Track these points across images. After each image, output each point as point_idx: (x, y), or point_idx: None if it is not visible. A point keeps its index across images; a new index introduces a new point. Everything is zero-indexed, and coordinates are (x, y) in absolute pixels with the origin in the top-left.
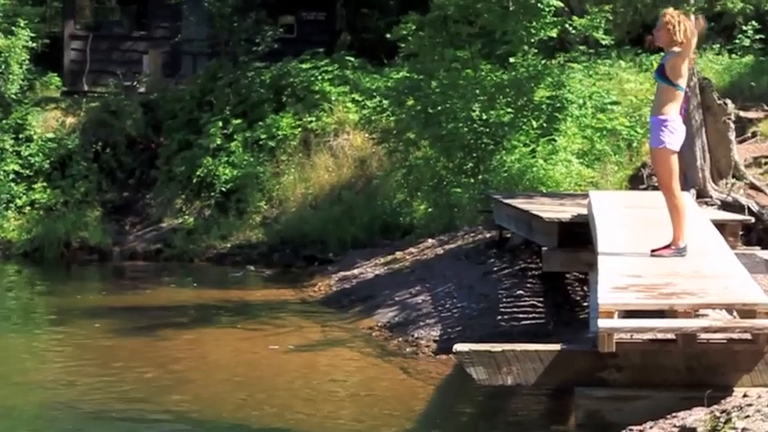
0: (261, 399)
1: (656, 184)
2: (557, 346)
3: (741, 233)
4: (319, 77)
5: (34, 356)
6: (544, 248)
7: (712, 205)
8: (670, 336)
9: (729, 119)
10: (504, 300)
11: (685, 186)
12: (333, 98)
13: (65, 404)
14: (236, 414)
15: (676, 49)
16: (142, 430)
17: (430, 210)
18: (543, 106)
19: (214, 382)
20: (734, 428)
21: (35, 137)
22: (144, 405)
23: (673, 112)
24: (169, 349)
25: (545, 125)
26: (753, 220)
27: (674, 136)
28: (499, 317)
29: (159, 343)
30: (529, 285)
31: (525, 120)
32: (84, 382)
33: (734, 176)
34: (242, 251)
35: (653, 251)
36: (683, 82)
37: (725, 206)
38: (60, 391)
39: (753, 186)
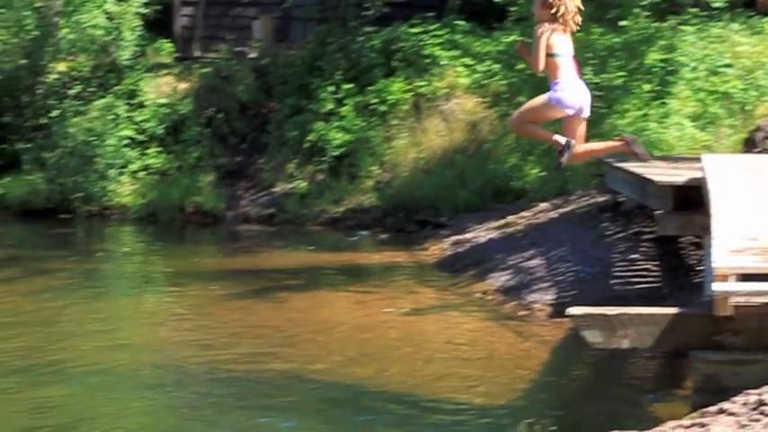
0: (375, 362)
1: None
2: (673, 310)
3: None
4: (429, 42)
5: (148, 318)
6: (658, 212)
7: None
8: None
9: None
10: (619, 263)
11: None
12: (443, 63)
13: (179, 365)
14: (351, 377)
15: None
16: (256, 391)
17: (542, 173)
18: (655, 69)
19: (329, 345)
20: None
21: (148, 103)
22: (257, 366)
23: None
24: (283, 311)
25: (657, 88)
26: None
27: None
28: (613, 281)
29: (273, 305)
30: (643, 249)
31: (637, 83)
32: (199, 344)
33: None
34: (354, 215)
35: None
36: None
37: None
38: (175, 353)
39: None
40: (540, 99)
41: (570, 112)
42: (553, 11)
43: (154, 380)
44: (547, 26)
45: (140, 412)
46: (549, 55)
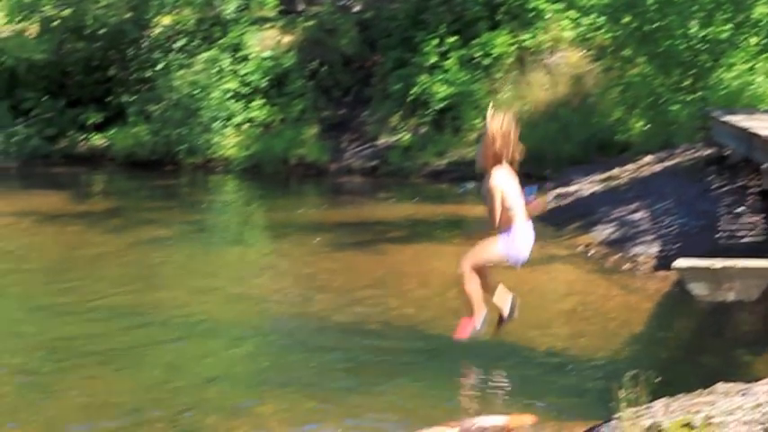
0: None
1: None
2: None
3: None
4: None
5: (252, 269)
6: (764, 165)
7: None
8: None
9: None
10: (724, 217)
11: None
12: (548, 16)
13: (280, 315)
14: (451, 328)
15: None
16: (357, 341)
17: (647, 127)
18: (762, 23)
19: (432, 297)
20: None
21: (252, 56)
22: (362, 317)
23: None
24: (386, 263)
25: (764, 42)
26: None
27: None
28: (718, 234)
29: (378, 257)
30: (749, 203)
31: (744, 37)
32: (300, 294)
33: None
34: (458, 168)
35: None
36: None
37: None
38: (277, 303)
39: None
40: (494, 248)
41: (512, 263)
42: (498, 156)
43: (255, 329)
44: (498, 177)
45: (241, 360)
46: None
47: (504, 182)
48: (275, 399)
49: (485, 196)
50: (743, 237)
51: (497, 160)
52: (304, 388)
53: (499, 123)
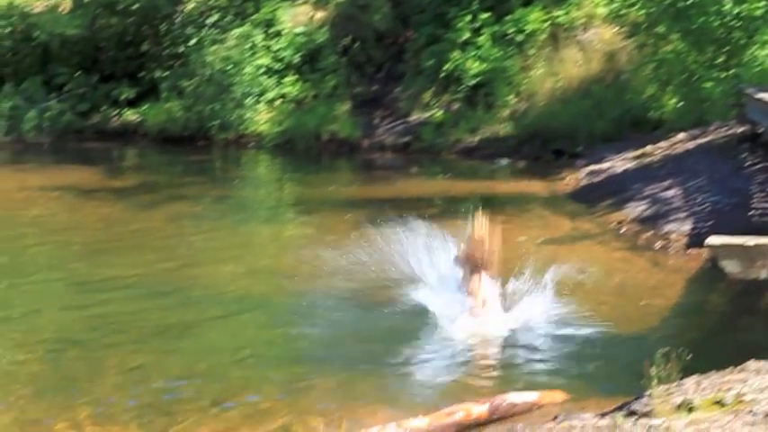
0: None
1: None
2: None
3: None
4: None
5: (284, 245)
6: None
7: None
8: None
9: None
10: (757, 195)
11: None
12: None
13: (312, 291)
14: None
15: None
16: (393, 317)
17: (680, 104)
18: None
19: None
20: None
21: (285, 31)
22: (395, 294)
23: None
24: (419, 239)
25: None
26: None
27: None
28: (751, 212)
29: (409, 233)
30: None
31: None
32: (332, 271)
33: None
34: (490, 144)
35: None
36: None
37: None
38: (308, 279)
39: None
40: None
41: None
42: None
43: (287, 305)
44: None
45: (277, 336)
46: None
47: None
48: (315, 375)
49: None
50: None
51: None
52: (343, 364)
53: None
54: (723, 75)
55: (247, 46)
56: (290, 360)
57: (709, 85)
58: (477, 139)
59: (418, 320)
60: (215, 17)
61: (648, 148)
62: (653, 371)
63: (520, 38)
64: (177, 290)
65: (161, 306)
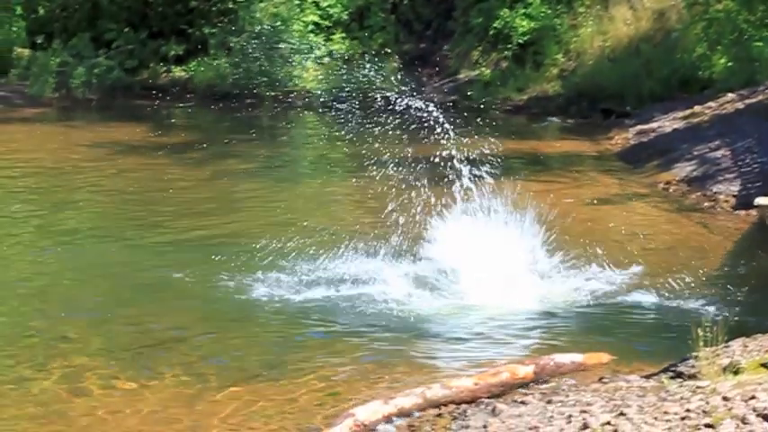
0: (555, 250)
1: None
2: None
3: None
4: None
5: (332, 203)
6: None
7: None
8: None
9: None
10: None
11: None
12: None
13: (354, 248)
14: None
15: None
16: (437, 276)
17: (730, 64)
18: None
19: None
20: None
21: None
22: (435, 249)
23: None
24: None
25: None
26: None
27: None
28: None
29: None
30: None
31: None
32: (376, 230)
33: None
34: (538, 103)
35: None
36: None
37: None
38: (350, 236)
39: None
40: None
41: None
42: None
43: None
44: None
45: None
46: None
47: None
48: (358, 336)
49: None
50: None
51: None
52: (386, 323)
53: None
54: None
55: (296, 2)
56: (331, 318)
57: (759, 44)
58: (525, 97)
59: (470, 280)
60: None
61: (697, 108)
62: (699, 332)
63: None
64: (224, 250)
65: (209, 264)
